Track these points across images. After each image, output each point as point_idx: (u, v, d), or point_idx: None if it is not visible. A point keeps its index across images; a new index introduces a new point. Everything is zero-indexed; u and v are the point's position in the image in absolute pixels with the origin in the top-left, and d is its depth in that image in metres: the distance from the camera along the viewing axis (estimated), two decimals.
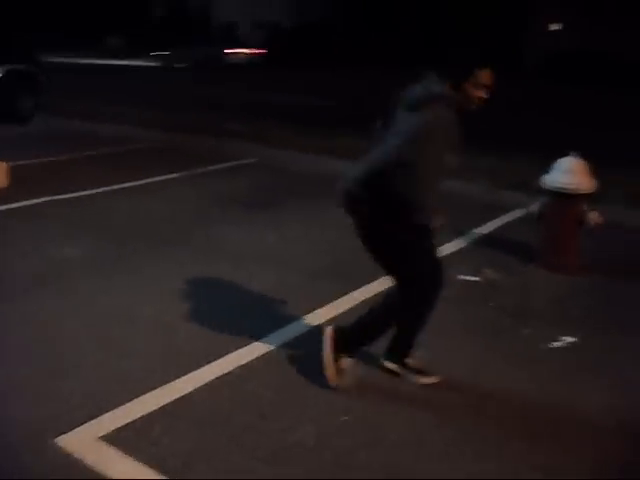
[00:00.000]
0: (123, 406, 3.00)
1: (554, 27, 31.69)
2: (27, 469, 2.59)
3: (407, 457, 2.73)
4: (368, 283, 4.37)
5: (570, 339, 3.85)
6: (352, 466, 2.66)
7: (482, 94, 2.93)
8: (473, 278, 4.75)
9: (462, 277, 4.76)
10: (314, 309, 4.09)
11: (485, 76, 2.90)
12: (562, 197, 4.79)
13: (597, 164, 5.05)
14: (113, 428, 2.84)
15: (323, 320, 3.93)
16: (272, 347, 3.62)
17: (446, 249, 5.30)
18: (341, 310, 4.10)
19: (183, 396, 3.10)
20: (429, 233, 3.10)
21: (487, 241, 5.64)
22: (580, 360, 3.63)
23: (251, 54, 32.36)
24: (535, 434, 2.93)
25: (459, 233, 5.71)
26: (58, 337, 3.66)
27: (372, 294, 4.22)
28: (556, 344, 3.80)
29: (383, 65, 26.05)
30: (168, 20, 37.01)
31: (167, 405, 3.03)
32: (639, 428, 3.02)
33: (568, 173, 4.77)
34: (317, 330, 3.82)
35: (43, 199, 6.33)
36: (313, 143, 9.21)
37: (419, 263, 3.11)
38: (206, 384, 3.21)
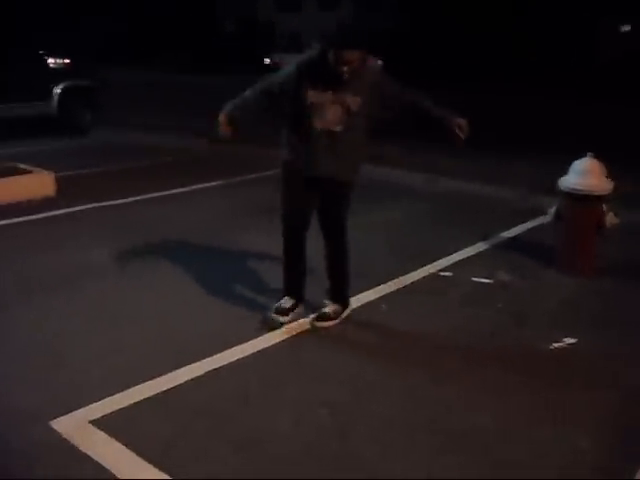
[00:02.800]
0: (117, 394, 3.18)
1: (624, 28, 30.99)
2: (20, 448, 2.80)
3: (374, 453, 2.81)
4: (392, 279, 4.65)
5: (571, 340, 3.82)
6: (321, 455, 2.76)
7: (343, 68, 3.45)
8: (485, 280, 4.75)
9: (475, 279, 4.77)
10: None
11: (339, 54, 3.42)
12: (577, 199, 4.74)
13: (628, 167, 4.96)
14: (103, 414, 3.03)
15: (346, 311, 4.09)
16: (268, 344, 3.75)
17: (466, 252, 5.34)
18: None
19: (174, 387, 3.27)
20: None
21: (509, 245, 5.61)
22: (576, 362, 3.60)
23: None
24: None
25: (483, 237, 5.70)
26: (67, 333, 3.89)
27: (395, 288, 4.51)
28: (556, 345, 3.77)
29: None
30: (236, 35, 37.85)
31: (157, 395, 3.20)
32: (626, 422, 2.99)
33: (583, 174, 4.72)
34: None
35: (85, 207, 6.67)
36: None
37: None
38: (197, 376, 3.37)
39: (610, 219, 4.66)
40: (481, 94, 17.15)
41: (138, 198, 7.08)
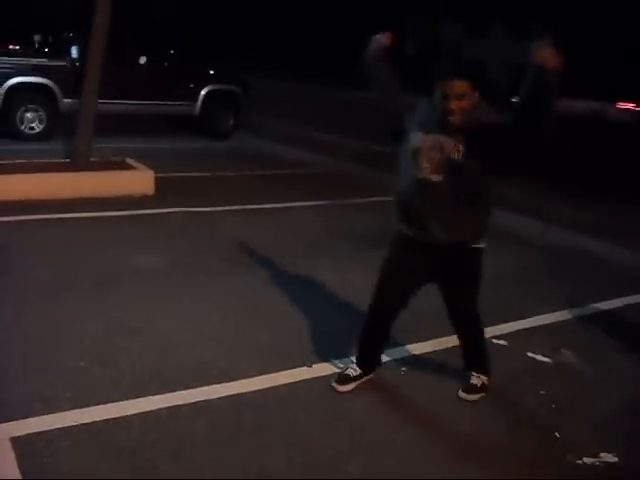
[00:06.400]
0: (64, 412, 2.98)
1: None
2: None
3: None
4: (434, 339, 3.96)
5: (610, 459, 3.03)
6: None
7: (450, 105, 2.90)
8: (543, 358, 4.00)
9: (531, 355, 4.04)
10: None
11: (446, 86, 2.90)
12: None
13: None
14: (29, 432, 2.82)
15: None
16: (250, 389, 3.37)
17: (540, 319, 4.60)
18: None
19: (119, 417, 2.99)
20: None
21: (598, 319, 4.72)
22: None
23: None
24: None
25: (571, 304, 4.88)
26: (69, 335, 3.78)
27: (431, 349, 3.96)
28: (587, 461, 3.01)
29: None
30: (417, 58, 37.55)
31: (96, 422, 2.93)
32: None
33: None
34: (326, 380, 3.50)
35: (173, 209, 6.68)
36: None
37: None
38: (151, 410, 3.07)
39: None
40: None
41: (230, 208, 6.99)
